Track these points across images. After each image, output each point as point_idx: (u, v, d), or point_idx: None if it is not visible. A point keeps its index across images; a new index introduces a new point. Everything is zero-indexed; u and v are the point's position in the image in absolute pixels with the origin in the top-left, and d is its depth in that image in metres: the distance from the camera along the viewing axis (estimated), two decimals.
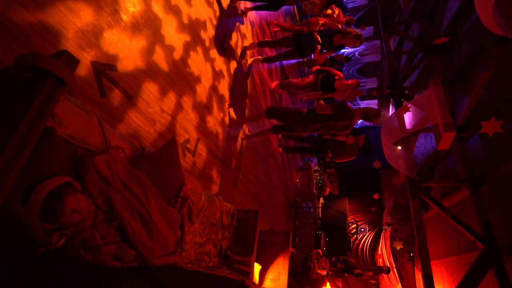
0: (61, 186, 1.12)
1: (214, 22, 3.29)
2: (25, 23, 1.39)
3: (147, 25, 2.20)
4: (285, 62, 6.63)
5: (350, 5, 14.03)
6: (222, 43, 3.43)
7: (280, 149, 5.51)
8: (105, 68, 1.82)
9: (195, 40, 2.87)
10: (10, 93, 0.96)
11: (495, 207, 4.13)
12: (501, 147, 3.81)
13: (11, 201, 0.92)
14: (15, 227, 0.93)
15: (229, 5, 3.71)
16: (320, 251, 7.33)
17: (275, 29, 5.63)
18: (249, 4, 4.14)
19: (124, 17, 1.99)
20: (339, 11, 5.54)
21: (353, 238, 10.78)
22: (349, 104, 3.51)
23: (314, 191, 8.69)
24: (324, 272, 7.19)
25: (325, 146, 4.75)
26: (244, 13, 4.12)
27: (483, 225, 3.98)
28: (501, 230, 3.94)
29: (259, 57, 4.24)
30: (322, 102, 3.33)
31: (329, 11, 5.61)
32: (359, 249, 10.72)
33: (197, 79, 2.87)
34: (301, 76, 8.38)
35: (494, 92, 3.70)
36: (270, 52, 5.15)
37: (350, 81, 4.34)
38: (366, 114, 3.28)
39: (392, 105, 8.28)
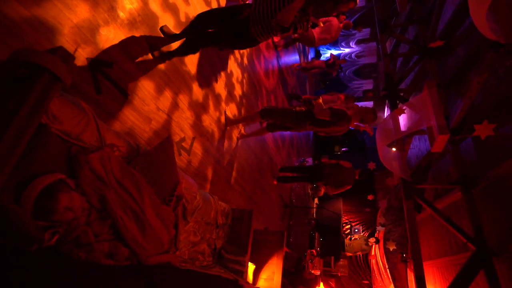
0: (54, 183, 1.11)
1: None
2: (20, 18, 1.38)
3: (144, 22, 2.19)
4: (282, 63, 6.64)
5: None
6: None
7: (275, 181, 5.49)
8: (101, 65, 1.81)
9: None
10: (4, 88, 0.95)
11: (486, 209, 4.19)
12: (493, 150, 3.87)
13: (3, 198, 0.91)
14: (7, 224, 0.93)
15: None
16: (314, 251, 7.36)
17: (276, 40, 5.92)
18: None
19: (121, 14, 1.98)
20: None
21: (347, 238, 10.85)
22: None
23: (309, 191, 8.73)
24: (318, 272, 7.23)
25: (320, 174, 4.71)
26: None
27: (475, 227, 4.03)
28: (492, 232, 4.00)
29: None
30: (320, 101, 3.31)
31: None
32: None
33: (194, 78, 2.86)
34: (297, 78, 8.40)
35: (488, 96, 3.75)
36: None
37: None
38: (363, 119, 3.32)
39: (387, 107, 8.35)
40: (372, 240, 8.79)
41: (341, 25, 5.86)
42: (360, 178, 4.63)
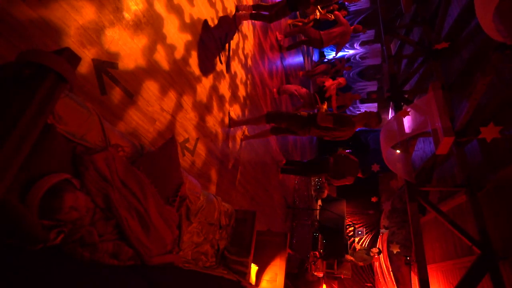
0: (59, 183, 1.12)
1: (216, 22, 3.29)
2: (27, 19, 1.39)
3: (149, 23, 2.20)
4: (286, 64, 6.64)
5: (351, 8, 14.07)
6: (223, 43, 3.44)
7: (280, 175, 5.52)
8: (106, 66, 1.82)
9: (197, 40, 2.87)
10: (11, 88, 0.96)
11: (491, 212, 4.15)
12: (499, 152, 3.83)
13: (9, 197, 0.92)
14: (12, 223, 0.93)
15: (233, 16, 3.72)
16: (317, 253, 7.33)
17: (280, 38, 5.84)
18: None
19: (126, 15, 1.99)
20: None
21: (350, 240, 10.79)
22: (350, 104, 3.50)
23: (312, 193, 8.71)
24: (321, 274, 7.20)
25: (326, 164, 4.71)
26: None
27: (480, 230, 4.00)
28: (497, 236, 3.96)
29: (246, 12, 3.89)
30: (323, 111, 3.32)
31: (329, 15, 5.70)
32: None
33: (198, 79, 2.87)
34: (300, 81, 8.40)
35: (493, 98, 3.72)
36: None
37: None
38: (368, 123, 3.28)
39: (391, 109, 8.31)
40: (374, 250, 8.74)
41: (351, 28, 5.68)
42: (364, 175, 4.59)
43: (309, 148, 10.06)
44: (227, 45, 3.51)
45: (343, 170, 4.55)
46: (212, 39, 3.17)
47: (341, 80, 5.85)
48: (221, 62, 3.26)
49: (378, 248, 8.70)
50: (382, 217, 9.57)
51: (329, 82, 5.36)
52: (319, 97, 5.02)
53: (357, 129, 3.43)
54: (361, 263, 9.13)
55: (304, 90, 5.35)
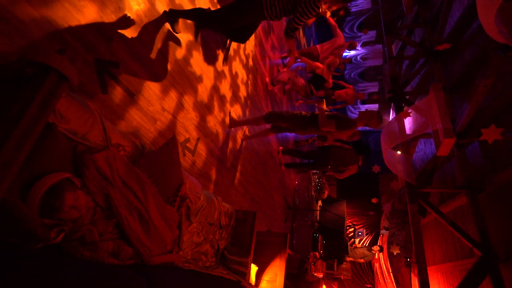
0: (60, 182, 1.12)
1: None
2: (29, 18, 1.40)
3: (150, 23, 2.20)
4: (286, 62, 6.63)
5: (353, 9, 14.06)
6: (224, 43, 3.44)
7: (283, 167, 5.54)
8: (107, 65, 1.82)
9: (198, 40, 2.87)
10: (13, 87, 0.96)
11: (492, 214, 4.14)
12: (500, 154, 3.82)
13: (10, 196, 0.92)
14: (13, 222, 0.93)
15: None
16: (317, 253, 7.32)
17: (283, 55, 5.84)
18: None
19: (128, 15, 1.99)
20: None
21: (350, 241, 10.78)
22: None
23: (313, 193, 8.69)
24: (321, 275, 7.19)
25: (325, 159, 4.77)
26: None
27: (480, 232, 3.98)
28: (498, 238, 3.95)
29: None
30: (324, 112, 3.28)
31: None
32: None
33: (199, 79, 2.87)
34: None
35: (494, 100, 3.71)
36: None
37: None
38: (368, 123, 3.28)
39: (392, 110, 8.29)
40: (376, 248, 8.74)
41: (346, 44, 5.49)
42: (363, 163, 4.65)
43: (310, 148, 10.05)
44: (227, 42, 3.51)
45: (343, 160, 4.61)
46: (213, 39, 3.17)
47: (339, 57, 5.55)
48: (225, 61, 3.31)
49: (380, 246, 8.69)
50: (382, 218, 9.56)
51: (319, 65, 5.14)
52: (314, 86, 4.92)
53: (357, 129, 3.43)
54: (361, 260, 9.12)
55: (300, 80, 5.06)
